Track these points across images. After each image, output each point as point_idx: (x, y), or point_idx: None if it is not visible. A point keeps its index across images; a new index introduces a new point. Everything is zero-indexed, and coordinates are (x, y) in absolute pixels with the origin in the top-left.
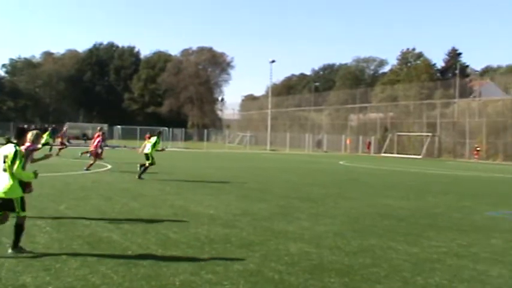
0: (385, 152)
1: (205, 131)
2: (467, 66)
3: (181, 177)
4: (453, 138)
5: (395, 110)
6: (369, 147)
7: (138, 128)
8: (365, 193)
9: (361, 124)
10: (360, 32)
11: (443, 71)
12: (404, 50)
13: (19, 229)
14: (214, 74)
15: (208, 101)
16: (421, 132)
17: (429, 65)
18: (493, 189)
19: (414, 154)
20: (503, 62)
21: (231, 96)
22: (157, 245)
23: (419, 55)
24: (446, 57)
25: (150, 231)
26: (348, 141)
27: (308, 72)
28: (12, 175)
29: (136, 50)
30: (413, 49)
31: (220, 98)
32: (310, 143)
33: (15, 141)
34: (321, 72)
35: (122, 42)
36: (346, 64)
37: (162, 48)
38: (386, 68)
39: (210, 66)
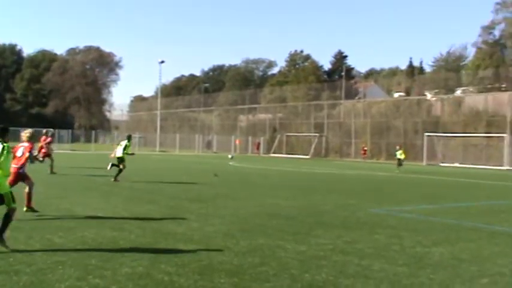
0: (274, 153)
1: (93, 132)
2: (352, 68)
3: (67, 179)
4: (340, 138)
5: (284, 111)
6: (258, 148)
7: (22, 129)
8: (254, 193)
9: (250, 125)
10: (249, 34)
11: (330, 73)
12: (293, 52)
13: (8, 220)
14: (102, 74)
15: (96, 101)
16: (309, 132)
17: (316, 67)
18: (376, 187)
19: (302, 154)
20: (386, 65)
21: (120, 97)
22: (42, 251)
23: (307, 57)
24: (333, 59)
25: (34, 236)
26: (237, 142)
27: (198, 73)
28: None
29: (18, 48)
30: (302, 51)
31: (108, 99)
32: (200, 144)
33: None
34: (211, 73)
35: (1, 40)
36: (235, 65)
37: (47, 47)
38: (275, 70)
39: (97, 66)
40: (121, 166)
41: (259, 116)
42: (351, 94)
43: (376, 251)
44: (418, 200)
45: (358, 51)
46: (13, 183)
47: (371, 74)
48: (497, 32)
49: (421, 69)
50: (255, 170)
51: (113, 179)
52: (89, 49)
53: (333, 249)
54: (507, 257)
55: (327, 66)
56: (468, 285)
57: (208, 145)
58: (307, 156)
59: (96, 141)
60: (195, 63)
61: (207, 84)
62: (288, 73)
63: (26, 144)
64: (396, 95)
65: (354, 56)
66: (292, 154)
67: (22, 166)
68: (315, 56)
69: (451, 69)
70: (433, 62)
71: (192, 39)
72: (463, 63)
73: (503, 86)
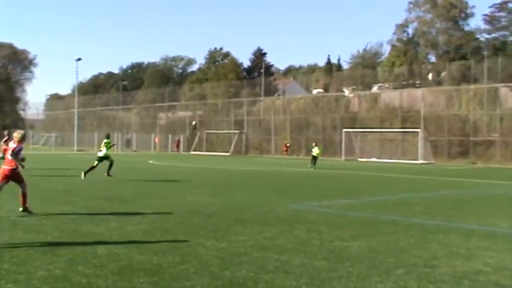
0: (194, 150)
1: (6, 132)
2: (271, 65)
3: None
4: (259, 135)
5: (204, 108)
6: (178, 146)
7: None
8: (175, 191)
9: (170, 122)
10: (168, 31)
11: (249, 70)
12: (212, 50)
13: None
14: (15, 72)
15: (9, 100)
16: (229, 129)
17: (236, 64)
18: (296, 183)
19: (223, 151)
20: (305, 62)
21: (35, 96)
22: None
23: (227, 54)
24: (252, 57)
25: None
26: (156, 140)
27: (116, 71)
28: None
29: None
30: (221, 48)
31: (22, 98)
32: (119, 143)
33: None
34: (129, 71)
35: None
36: (154, 63)
37: None
38: (194, 67)
39: (10, 64)
40: (95, 163)
41: (178, 114)
42: (270, 91)
43: (295, 246)
44: (336, 195)
45: (277, 49)
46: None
47: (290, 71)
48: (410, 30)
49: (338, 66)
50: (176, 168)
51: (106, 174)
52: (1, 46)
53: (253, 245)
54: (422, 248)
55: (246, 63)
56: (384, 276)
57: (128, 144)
58: (227, 154)
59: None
60: (113, 61)
61: (125, 82)
62: (207, 70)
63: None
64: (315, 91)
65: (273, 53)
66: (212, 151)
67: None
68: (235, 54)
69: (367, 66)
70: (350, 59)
71: (109, 36)
72: (379, 60)
73: (417, 82)
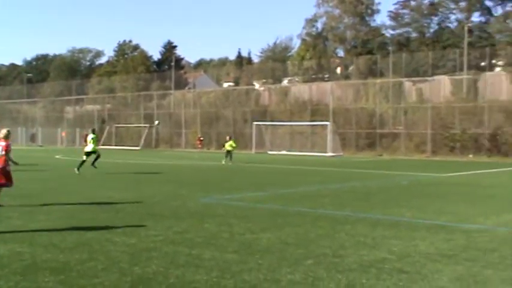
0: (103, 144)
1: None
2: (182, 59)
3: None
4: (170, 129)
5: (113, 102)
6: (86, 140)
7: None
8: (84, 186)
9: (77, 116)
10: (75, 22)
11: (159, 63)
12: (121, 42)
13: None
14: None
15: None
16: (139, 123)
17: (146, 57)
18: (207, 177)
19: (133, 145)
20: (216, 55)
21: None
22: None
23: (136, 47)
24: (163, 50)
25: None
26: (63, 134)
27: (19, 63)
28: None
29: None
30: (130, 41)
31: None
32: (24, 137)
33: None
34: (34, 63)
35: None
36: (60, 55)
37: None
38: (103, 60)
39: None
40: (84, 158)
41: (87, 107)
42: (180, 84)
43: (206, 240)
44: (247, 188)
45: (188, 42)
46: None
47: (201, 64)
48: (320, 25)
49: (249, 60)
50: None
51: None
52: None
53: (163, 240)
54: (330, 238)
55: (156, 56)
56: (294, 267)
57: (33, 138)
58: (137, 148)
59: None
60: (16, 53)
61: (30, 75)
62: (116, 63)
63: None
64: (225, 85)
65: (184, 46)
66: (122, 145)
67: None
68: (144, 46)
69: (277, 59)
70: (261, 53)
71: (12, 25)
72: (289, 54)
73: (326, 76)
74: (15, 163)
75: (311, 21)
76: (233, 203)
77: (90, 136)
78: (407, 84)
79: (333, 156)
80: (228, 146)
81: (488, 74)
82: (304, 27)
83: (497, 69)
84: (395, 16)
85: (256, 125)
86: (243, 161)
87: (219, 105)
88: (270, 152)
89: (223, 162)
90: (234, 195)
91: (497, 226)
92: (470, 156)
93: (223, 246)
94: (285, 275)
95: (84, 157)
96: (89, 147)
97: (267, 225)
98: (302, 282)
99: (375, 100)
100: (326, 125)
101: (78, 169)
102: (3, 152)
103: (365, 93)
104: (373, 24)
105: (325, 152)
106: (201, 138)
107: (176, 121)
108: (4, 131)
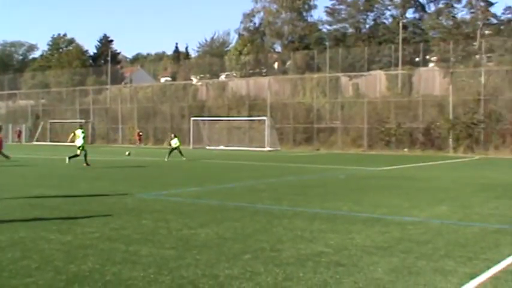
0: (37, 140)
1: None
2: (118, 53)
3: None
4: (106, 124)
5: (47, 97)
6: (19, 136)
7: None
8: (16, 184)
9: (10, 112)
10: (6, 15)
11: (95, 58)
12: (56, 36)
13: None
14: None
15: None
16: (75, 119)
17: (81, 52)
18: (143, 172)
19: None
20: (153, 50)
21: None
22: None
23: (71, 41)
24: (98, 44)
25: None
26: None
27: None
28: None
29: None
30: (65, 35)
31: None
32: None
33: None
34: None
35: None
36: None
37: None
38: (36, 54)
39: None
40: (78, 152)
41: (19, 103)
42: (117, 79)
43: (143, 236)
44: (184, 183)
45: (125, 36)
46: None
47: (137, 59)
48: (257, 20)
49: (186, 55)
50: (17, 160)
51: (85, 164)
52: None
53: (99, 237)
54: (267, 232)
55: (92, 50)
56: (232, 262)
57: None
58: (73, 144)
59: None
60: None
61: None
62: (50, 57)
63: None
64: (163, 79)
65: (120, 40)
66: (57, 142)
67: None
68: (80, 40)
69: (215, 54)
70: (198, 48)
71: None
72: (227, 49)
73: (264, 71)
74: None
75: (248, 16)
76: (171, 198)
77: (80, 131)
78: (343, 79)
79: (270, 150)
80: (174, 144)
81: (422, 69)
82: (241, 22)
83: (431, 64)
84: (332, 12)
85: (194, 120)
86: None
87: (156, 101)
88: (208, 148)
89: (166, 160)
90: (172, 190)
91: (431, 218)
92: (405, 150)
93: (160, 242)
94: (223, 270)
95: (78, 151)
96: (79, 141)
97: (204, 221)
98: (240, 277)
99: (312, 95)
100: (264, 119)
101: (77, 158)
102: None
103: (302, 88)
104: (310, 19)
105: (263, 147)
106: (140, 133)
107: (113, 116)
108: None
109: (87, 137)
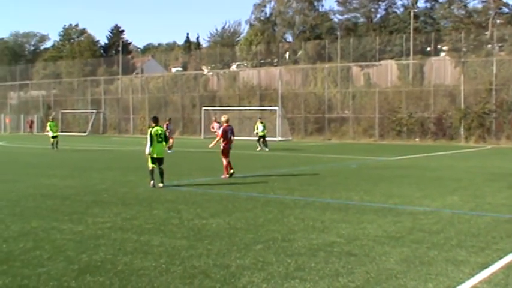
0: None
1: None
2: (130, 43)
3: None
4: (118, 114)
5: (59, 87)
6: (31, 127)
7: None
8: (27, 174)
9: (22, 102)
10: (18, 6)
11: (106, 48)
12: (67, 26)
13: None
14: None
15: None
16: (86, 109)
17: (93, 42)
18: None
19: (80, 131)
20: (164, 40)
21: None
22: None
23: (83, 31)
24: (110, 34)
25: None
26: (7, 121)
27: None
28: None
29: None
30: (77, 25)
31: None
32: None
33: None
34: None
35: None
36: (3, 39)
37: None
38: (48, 44)
39: None
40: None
41: (31, 93)
42: (128, 69)
43: (155, 226)
44: (196, 174)
45: (136, 26)
46: None
47: (149, 49)
48: (268, 10)
49: (197, 45)
50: (29, 150)
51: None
52: None
53: (111, 227)
54: (279, 223)
55: (103, 41)
56: (244, 252)
57: None
58: (84, 134)
59: None
60: None
61: None
62: (62, 48)
63: None
64: (174, 70)
65: (132, 31)
66: (68, 132)
67: None
68: (91, 31)
69: (226, 44)
70: (209, 38)
71: None
72: (238, 39)
73: (275, 61)
74: None
75: (260, 6)
76: (182, 188)
77: (49, 124)
78: (355, 69)
79: (282, 140)
80: (259, 130)
81: (433, 58)
82: (252, 12)
83: (442, 54)
84: (343, 1)
85: (205, 110)
86: (193, 146)
87: (168, 91)
88: None
89: (259, 149)
90: (183, 180)
91: (443, 208)
92: (417, 140)
93: (172, 232)
94: (234, 260)
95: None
96: (50, 132)
97: (216, 211)
98: (251, 267)
99: (323, 85)
100: (275, 109)
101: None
102: None
103: (313, 78)
104: (321, 9)
105: (274, 137)
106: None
107: (124, 107)
108: None
109: (57, 128)
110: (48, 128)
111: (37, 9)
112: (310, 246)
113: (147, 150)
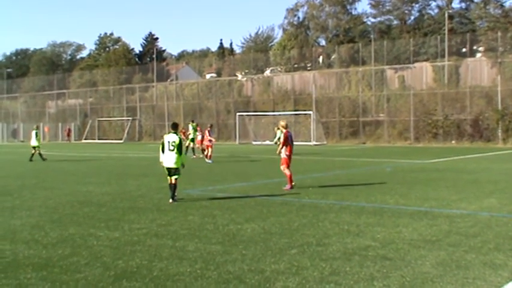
0: (86, 139)
1: None
2: (164, 50)
3: None
4: (153, 121)
5: (95, 96)
6: (69, 135)
7: None
8: (65, 181)
9: (60, 111)
10: (55, 16)
11: (141, 56)
12: (102, 35)
13: None
14: None
15: None
16: (122, 116)
17: (127, 50)
18: (189, 169)
19: (116, 139)
20: (198, 46)
21: None
22: None
23: (118, 40)
24: (144, 42)
25: None
26: (46, 130)
27: None
28: None
29: None
30: (112, 34)
31: None
32: (5, 133)
33: None
34: (14, 58)
35: None
36: (41, 49)
37: None
38: (84, 53)
39: None
40: (33, 151)
41: (68, 102)
42: (163, 76)
43: (190, 232)
44: (230, 179)
45: (170, 34)
46: None
47: (183, 56)
48: (301, 15)
49: (231, 50)
50: (66, 158)
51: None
52: None
53: (146, 233)
54: (314, 227)
55: (138, 49)
56: (278, 257)
57: (14, 134)
58: (120, 141)
59: None
60: None
61: (10, 70)
62: (97, 56)
63: None
64: (208, 76)
65: (166, 38)
66: (105, 139)
67: None
68: (126, 39)
69: (259, 49)
70: (243, 43)
71: None
72: (271, 44)
73: (308, 65)
74: None
75: (292, 11)
76: (217, 194)
77: (34, 132)
78: (389, 71)
79: (316, 145)
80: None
81: (469, 60)
82: (285, 17)
83: (478, 55)
84: (376, 4)
85: (240, 115)
86: (227, 152)
87: (202, 97)
88: (254, 143)
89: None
90: (218, 186)
91: (480, 211)
92: (453, 142)
93: (207, 238)
94: (269, 264)
95: (33, 151)
96: (33, 141)
97: (251, 216)
98: (286, 272)
99: (358, 88)
100: (309, 114)
101: (43, 158)
102: None
103: (347, 81)
104: (354, 12)
105: (309, 141)
106: (183, 131)
107: (159, 113)
108: None
109: (39, 137)
110: (34, 136)
111: (73, 19)
112: (345, 250)
113: (160, 158)
